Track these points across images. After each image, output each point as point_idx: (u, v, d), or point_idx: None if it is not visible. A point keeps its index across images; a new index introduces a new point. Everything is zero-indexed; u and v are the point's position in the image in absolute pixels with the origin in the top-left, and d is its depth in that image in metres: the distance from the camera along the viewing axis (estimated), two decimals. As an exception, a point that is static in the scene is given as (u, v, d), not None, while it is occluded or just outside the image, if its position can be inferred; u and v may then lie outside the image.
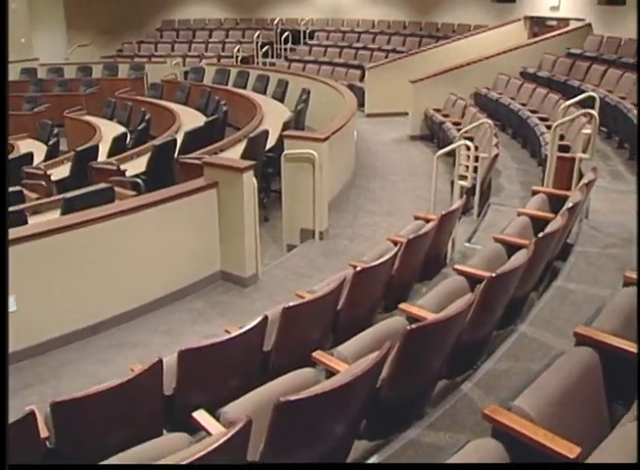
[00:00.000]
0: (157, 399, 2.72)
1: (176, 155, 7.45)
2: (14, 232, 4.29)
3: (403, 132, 11.09)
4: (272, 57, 16.65)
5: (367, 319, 3.63)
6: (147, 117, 9.68)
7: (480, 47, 11.66)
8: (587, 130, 6.58)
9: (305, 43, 16.38)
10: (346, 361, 2.66)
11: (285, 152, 6.27)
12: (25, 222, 5.04)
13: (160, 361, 2.62)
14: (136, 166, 7.25)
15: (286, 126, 7.74)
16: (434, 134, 10.51)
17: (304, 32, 16.63)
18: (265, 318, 2.97)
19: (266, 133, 7.50)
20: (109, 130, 9.84)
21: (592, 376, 2.05)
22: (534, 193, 4.78)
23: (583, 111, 6.81)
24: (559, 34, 11.28)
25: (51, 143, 9.43)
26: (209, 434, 2.25)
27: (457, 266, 3.59)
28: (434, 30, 14.81)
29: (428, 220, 4.65)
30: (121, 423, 2.57)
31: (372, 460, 2.54)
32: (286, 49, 16.60)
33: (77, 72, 14.80)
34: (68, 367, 4.36)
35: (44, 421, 2.51)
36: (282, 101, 11.16)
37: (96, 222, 4.69)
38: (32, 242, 4.38)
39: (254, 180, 5.44)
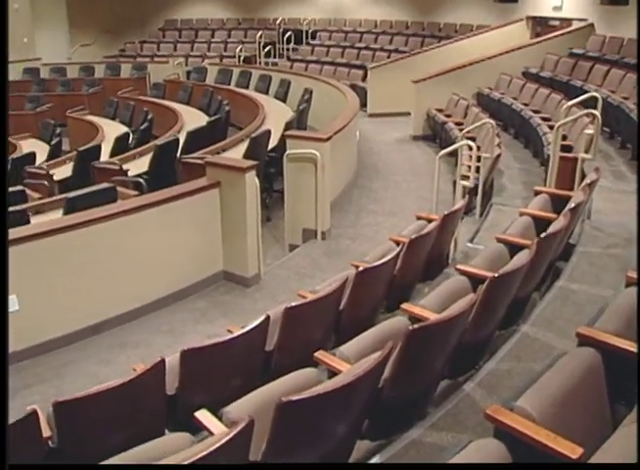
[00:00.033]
0: (159, 399, 2.72)
1: (179, 155, 7.45)
2: (16, 232, 4.29)
3: (405, 132, 11.07)
4: (274, 57, 16.66)
5: (369, 319, 3.63)
6: (149, 117, 9.69)
7: (482, 47, 11.65)
8: (590, 130, 6.57)
9: (308, 43, 16.39)
10: (349, 361, 2.66)
11: (287, 152, 6.27)
12: (28, 222, 5.03)
13: (163, 361, 2.63)
14: (138, 166, 7.24)
15: (288, 126, 7.73)
16: (436, 134, 10.50)
17: (307, 32, 16.64)
18: (267, 318, 2.97)
19: (268, 133, 7.50)
20: (111, 130, 9.85)
21: (594, 376, 2.05)
22: (537, 193, 4.77)
23: (586, 111, 6.80)
24: (561, 34, 11.25)
25: (53, 143, 9.43)
26: (212, 434, 2.26)
27: (459, 266, 3.58)
28: (436, 30, 14.81)
29: (430, 220, 4.65)
30: (124, 423, 2.58)
31: (374, 460, 2.54)
32: (288, 49, 16.62)
33: (80, 72, 14.83)
34: (70, 367, 4.36)
35: (46, 421, 2.51)
36: (284, 101, 11.15)
37: (98, 222, 4.69)
38: (35, 242, 4.38)
39: (257, 180, 5.45)
